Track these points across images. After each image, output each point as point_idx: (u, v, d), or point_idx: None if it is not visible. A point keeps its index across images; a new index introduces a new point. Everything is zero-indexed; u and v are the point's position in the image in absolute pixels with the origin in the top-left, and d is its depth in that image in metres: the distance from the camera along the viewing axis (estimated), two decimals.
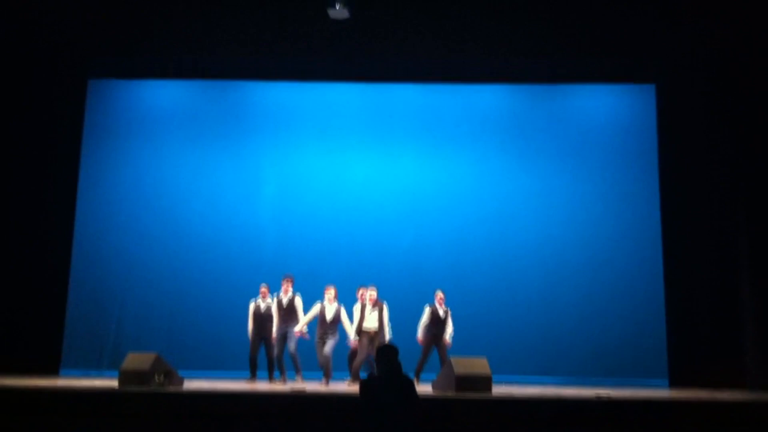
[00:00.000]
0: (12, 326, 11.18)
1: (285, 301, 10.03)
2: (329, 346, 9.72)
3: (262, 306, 10.17)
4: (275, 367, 10.09)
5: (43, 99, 11.86)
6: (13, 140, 11.66)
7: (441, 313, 9.97)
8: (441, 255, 11.92)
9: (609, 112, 12.24)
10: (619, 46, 11.46)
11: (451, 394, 8.14)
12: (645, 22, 11.19)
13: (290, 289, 10.07)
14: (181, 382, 8.71)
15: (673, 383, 10.96)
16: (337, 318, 9.86)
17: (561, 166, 12.08)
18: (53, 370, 11.18)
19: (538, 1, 11.15)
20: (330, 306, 9.88)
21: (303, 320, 9.90)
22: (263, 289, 10.27)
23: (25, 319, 11.32)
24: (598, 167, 12.02)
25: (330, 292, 9.92)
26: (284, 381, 9.87)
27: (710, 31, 11.03)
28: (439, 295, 10.08)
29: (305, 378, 9.92)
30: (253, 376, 10.13)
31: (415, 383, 8.41)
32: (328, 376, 9.69)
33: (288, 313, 9.99)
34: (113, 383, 8.45)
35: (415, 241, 11.99)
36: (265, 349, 10.19)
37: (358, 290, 10.05)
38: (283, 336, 9.96)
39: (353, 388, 9.00)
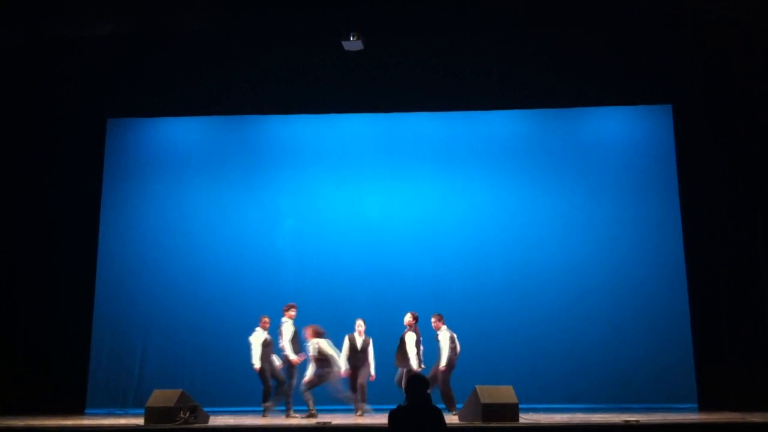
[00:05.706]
0: (37, 368, 11.24)
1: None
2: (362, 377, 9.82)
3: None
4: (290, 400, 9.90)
5: (62, 140, 12.07)
6: (34, 181, 11.83)
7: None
8: (461, 281, 11.85)
9: (626, 134, 12.20)
10: (634, 68, 11.47)
11: (478, 423, 8.04)
12: (660, 43, 11.20)
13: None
14: (206, 419, 8.67)
15: (703, 407, 10.72)
16: (365, 349, 9.92)
17: (580, 189, 12.02)
18: (78, 410, 11.19)
19: (551, 27, 11.19)
20: (359, 338, 9.97)
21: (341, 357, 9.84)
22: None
23: (50, 360, 11.39)
24: (617, 190, 11.94)
25: (359, 325, 10.03)
26: (288, 414, 9.70)
27: (726, 49, 11.02)
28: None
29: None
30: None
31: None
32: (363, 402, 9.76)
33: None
34: (138, 421, 8.44)
35: (435, 268, 11.94)
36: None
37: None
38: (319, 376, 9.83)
39: (379, 420, 8.93)
